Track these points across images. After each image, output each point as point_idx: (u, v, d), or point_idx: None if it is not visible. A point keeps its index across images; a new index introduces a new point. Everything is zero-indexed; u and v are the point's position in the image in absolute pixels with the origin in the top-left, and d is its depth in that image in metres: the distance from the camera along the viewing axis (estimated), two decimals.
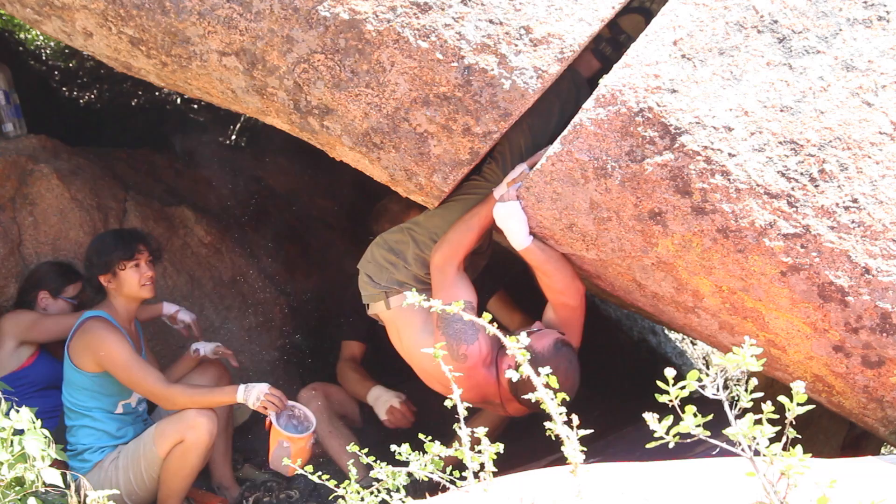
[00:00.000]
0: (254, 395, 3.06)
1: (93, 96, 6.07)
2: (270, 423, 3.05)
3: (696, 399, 1.40)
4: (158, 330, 3.94)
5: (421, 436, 2.11)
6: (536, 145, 2.54)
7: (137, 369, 3.11)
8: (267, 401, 3.05)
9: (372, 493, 2.07)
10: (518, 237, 2.50)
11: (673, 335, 5.53)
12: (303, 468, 2.36)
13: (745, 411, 1.36)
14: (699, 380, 1.39)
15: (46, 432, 2.24)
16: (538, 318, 2.97)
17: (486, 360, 2.66)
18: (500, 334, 1.72)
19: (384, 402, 3.47)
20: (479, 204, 2.65)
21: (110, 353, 3.09)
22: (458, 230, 2.68)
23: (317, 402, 3.51)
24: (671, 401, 1.40)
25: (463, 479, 1.80)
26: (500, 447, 1.79)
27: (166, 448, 3.06)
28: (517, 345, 1.65)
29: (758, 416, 1.34)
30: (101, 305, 3.26)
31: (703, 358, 5.63)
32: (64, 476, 2.27)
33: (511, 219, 2.48)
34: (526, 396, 1.68)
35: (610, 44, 2.64)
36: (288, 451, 2.99)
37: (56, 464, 2.32)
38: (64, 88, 5.92)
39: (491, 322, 1.78)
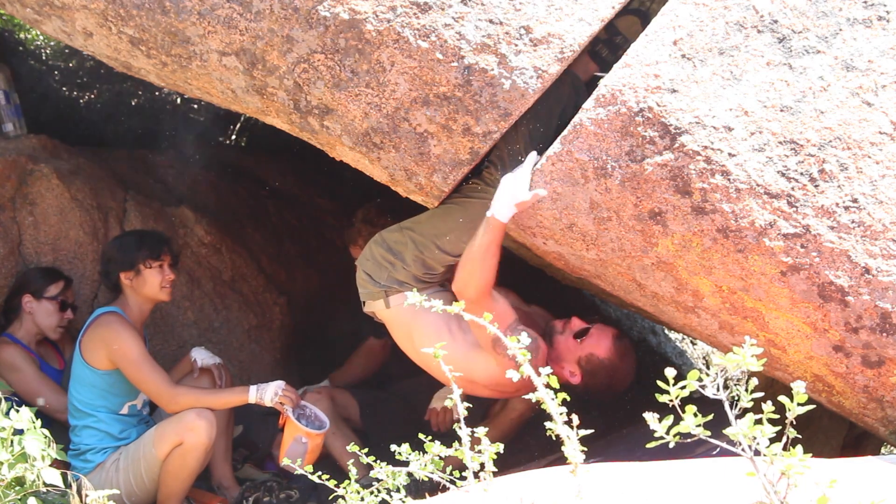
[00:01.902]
0: (270, 392, 3.10)
1: (93, 96, 6.06)
2: (286, 419, 3.07)
3: (697, 399, 1.40)
4: (158, 330, 3.94)
5: (421, 436, 2.11)
6: (536, 149, 2.53)
7: (147, 367, 3.14)
8: (285, 396, 3.08)
9: (372, 493, 2.07)
10: (496, 208, 2.42)
11: (673, 335, 5.53)
12: (305, 468, 2.36)
13: (745, 411, 1.36)
14: (699, 380, 1.39)
15: (46, 432, 2.24)
16: (549, 314, 3.00)
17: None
18: (500, 333, 1.72)
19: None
20: (480, 232, 2.53)
21: (123, 347, 3.11)
22: (474, 262, 2.55)
23: (323, 403, 3.63)
24: (671, 401, 1.39)
25: (463, 479, 1.80)
26: (500, 447, 1.78)
27: (165, 450, 3.06)
28: (517, 345, 1.65)
29: (758, 416, 1.34)
30: (115, 303, 3.28)
31: (703, 358, 5.63)
32: (65, 476, 2.27)
33: (504, 192, 2.40)
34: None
35: (606, 45, 2.62)
36: (305, 447, 3.02)
37: (57, 464, 2.32)
38: (64, 88, 5.92)
39: (492, 322, 1.78)
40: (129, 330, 3.16)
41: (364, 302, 3.01)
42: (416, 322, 2.82)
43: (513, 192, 2.39)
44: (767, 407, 1.35)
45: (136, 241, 3.32)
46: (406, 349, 2.96)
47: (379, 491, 2.08)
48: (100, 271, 3.42)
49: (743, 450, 1.34)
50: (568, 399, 1.62)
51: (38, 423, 2.25)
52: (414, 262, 2.81)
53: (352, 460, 2.38)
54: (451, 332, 2.74)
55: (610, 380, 2.73)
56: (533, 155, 2.41)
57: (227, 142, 6.11)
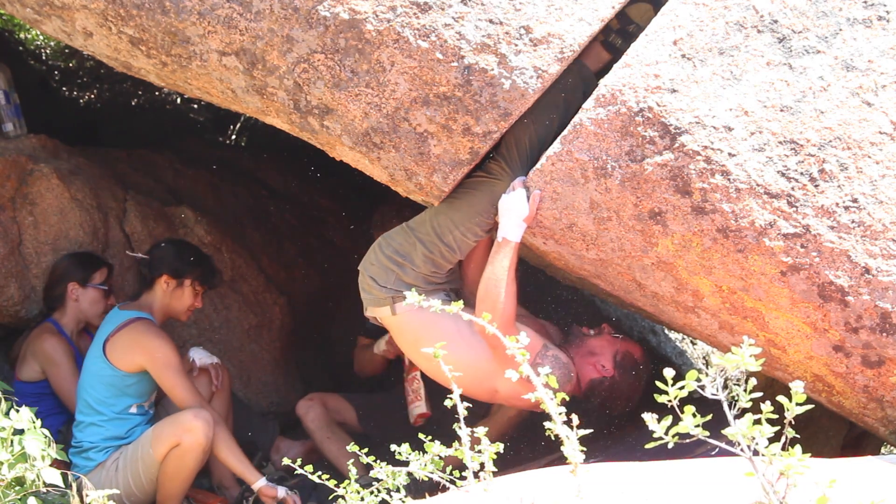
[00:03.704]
0: (283, 490, 3.11)
1: (93, 96, 6.06)
2: None
3: (696, 399, 1.40)
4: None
5: (421, 436, 2.11)
6: (541, 140, 2.51)
7: (184, 377, 3.18)
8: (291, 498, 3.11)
9: (372, 493, 2.07)
10: (506, 230, 2.51)
11: (673, 335, 5.53)
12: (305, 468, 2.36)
13: (744, 411, 1.36)
14: (698, 380, 1.39)
15: (46, 432, 2.24)
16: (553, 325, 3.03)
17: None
18: (499, 334, 1.72)
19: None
20: (496, 259, 2.56)
21: (166, 356, 3.14)
22: (497, 291, 2.55)
23: (315, 410, 3.63)
24: (670, 401, 1.40)
25: (463, 479, 1.80)
26: (500, 447, 1.78)
27: (163, 451, 3.05)
28: (517, 345, 1.65)
29: (757, 416, 1.34)
30: (140, 307, 3.30)
31: (703, 358, 5.62)
32: (65, 476, 2.27)
33: (508, 213, 2.47)
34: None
35: (620, 35, 2.59)
36: None
37: (58, 464, 2.32)
38: (64, 88, 5.92)
39: (491, 322, 1.78)
40: (167, 339, 3.20)
41: (365, 307, 2.97)
42: (426, 330, 2.75)
43: (516, 210, 2.45)
44: (766, 407, 1.35)
45: (198, 259, 3.39)
46: (411, 356, 2.94)
47: (379, 491, 2.08)
48: (144, 261, 3.43)
49: (742, 450, 1.34)
50: (567, 399, 1.62)
51: (38, 423, 2.24)
52: (424, 263, 2.73)
53: (351, 460, 2.38)
54: (463, 339, 2.71)
55: (636, 381, 2.85)
56: (520, 179, 2.47)
57: (227, 142, 6.12)
